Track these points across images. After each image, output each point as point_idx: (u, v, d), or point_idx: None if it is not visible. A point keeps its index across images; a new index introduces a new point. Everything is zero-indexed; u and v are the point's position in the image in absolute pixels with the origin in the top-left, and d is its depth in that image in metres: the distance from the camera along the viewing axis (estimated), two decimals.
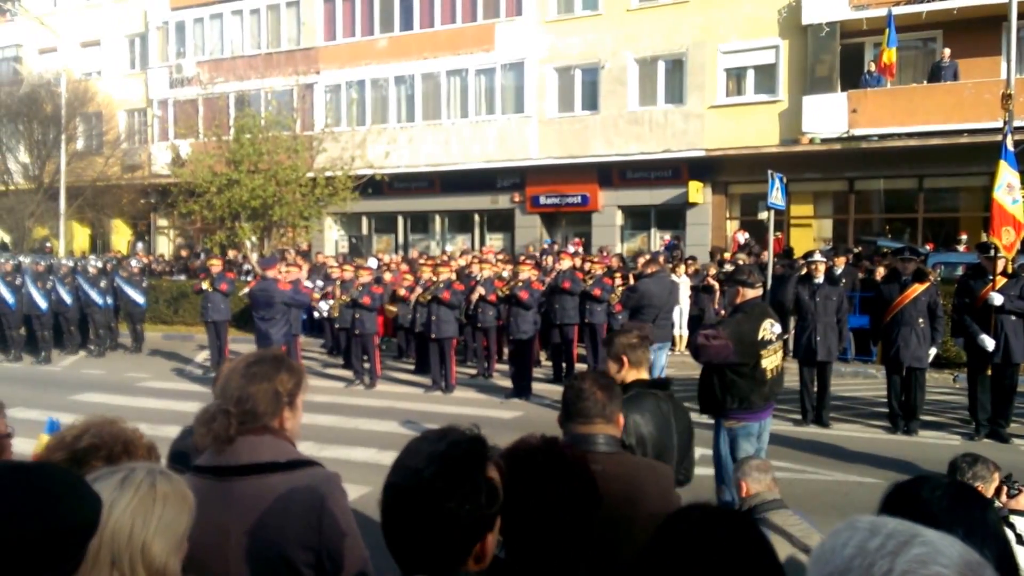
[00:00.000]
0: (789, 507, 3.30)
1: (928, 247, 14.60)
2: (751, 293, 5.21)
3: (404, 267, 14.55)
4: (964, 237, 14.48)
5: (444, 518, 1.36)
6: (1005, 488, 3.61)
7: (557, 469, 1.63)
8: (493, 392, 10.61)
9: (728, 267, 12.79)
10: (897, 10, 15.32)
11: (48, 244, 21.35)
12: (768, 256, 12.28)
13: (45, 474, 1.29)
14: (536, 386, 10.21)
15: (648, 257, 10.82)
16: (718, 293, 12.72)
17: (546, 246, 18.08)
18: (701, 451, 6.92)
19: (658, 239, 19.27)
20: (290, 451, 1.96)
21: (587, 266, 12.27)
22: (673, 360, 12.27)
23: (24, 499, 1.19)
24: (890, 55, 15.35)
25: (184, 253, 22.92)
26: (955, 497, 1.43)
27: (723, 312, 11.91)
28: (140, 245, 24.91)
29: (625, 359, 3.09)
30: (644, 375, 3.13)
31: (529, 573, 1.60)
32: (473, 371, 11.99)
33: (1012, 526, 3.35)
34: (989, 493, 3.52)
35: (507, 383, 10.55)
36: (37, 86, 23.65)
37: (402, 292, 12.42)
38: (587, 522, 1.63)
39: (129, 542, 1.40)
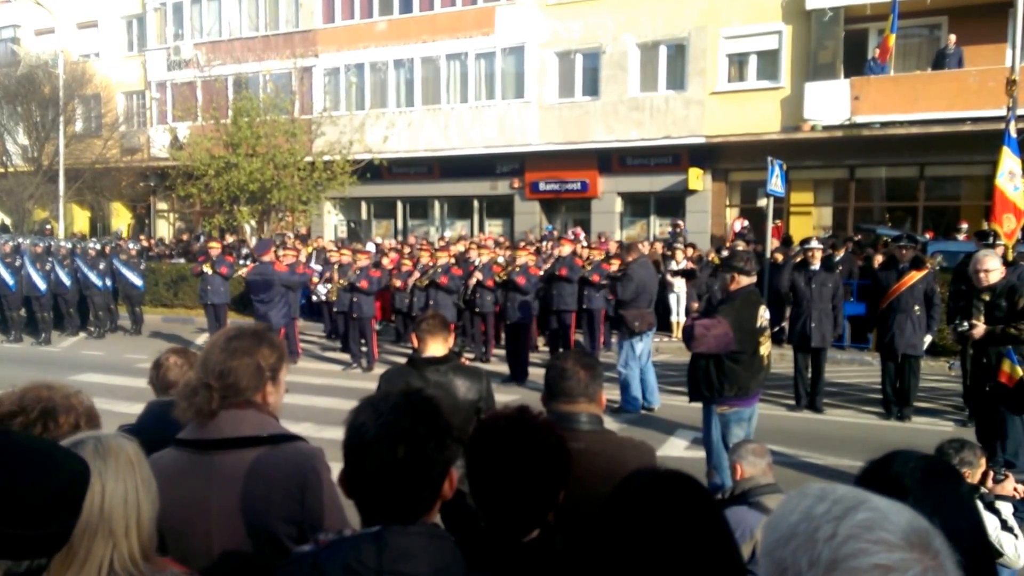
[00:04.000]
0: (784, 492, 3.30)
1: (928, 235, 14.56)
2: (745, 280, 5.18)
3: (394, 255, 14.47)
4: (964, 226, 14.42)
5: (424, 463, 1.41)
6: (991, 473, 3.63)
7: (519, 434, 1.66)
8: (490, 377, 10.61)
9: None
10: None
11: (48, 226, 21.33)
12: (766, 243, 12.26)
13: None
14: (533, 371, 10.23)
15: (627, 244, 10.77)
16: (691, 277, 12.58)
17: (547, 232, 18.05)
18: (693, 435, 7.00)
19: (657, 226, 19.26)
20: (273, 425, 1.96)
21: (586, 253, 12.27)
22: (670, 346, 12.32)
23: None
24: (890, 40, 15.25)
25: (184, 236, 22.91)
26: (926, 471, 1.45)
27: (696, 301, 11.91)
28: (122, 228, 25.00)
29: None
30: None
31: (504, 541, 1.63)
32: (470, 355, 12.00)
33: (998, 512, 3.37)
34: (975, 479, 3.54)
35: (504, 368, 10.57)
36: (35, 67, 23.55)
37: (398, 283, 12.40)
38: (553, 485, 1.66)
39: (125, 508, 1.41)
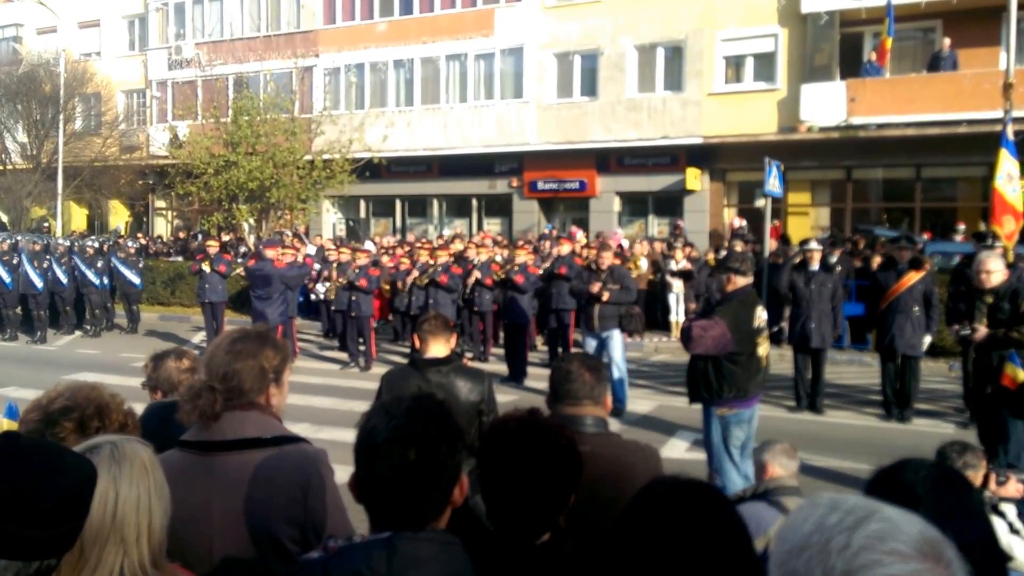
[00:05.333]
0: (804, 496, 3.28)
1: (925, 236, 14.59)
2: (742, 281, 5.17)
3: (399, 251, 14.49)
4: (961, 227, 14.46)
5: (435, 467, 1.40)
6: (994, 476, 3.62)
7: (531, 436, 1.65)
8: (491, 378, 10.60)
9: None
10: None
11: (46, 224, 21.28)
12: (764, 244, 12.27)
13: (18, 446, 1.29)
14: (531, 370, 10.23)
15: (603, 243, 10.69)
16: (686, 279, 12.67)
17: (546, 231, 18.05)
18: (694, 436, 7.00)
19: (655, 226, 19.27)
20: (276, 427, 1.96)
21: (584, 252, 12.26)
22: (669, 346, 12.33)
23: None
24: (887, 44, 15.28)
25: (182, 234, 22.87)
26: (938, 480, 1.43)
27: (693, 302, 11.93)
28: (120, 226, 24.94)
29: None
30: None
31: (516, 544, 1.63)
32: (470, 355, 11.98)
33: (1003, 514, 3.36)
34: (977, 481, 3.53)
35: (502, 367, 10.56)
36: (36, 66, 23.51)
37: (399, 284, 12.38)
38: (565, 488, 1.66)
39: (137, 515, 1.41)
